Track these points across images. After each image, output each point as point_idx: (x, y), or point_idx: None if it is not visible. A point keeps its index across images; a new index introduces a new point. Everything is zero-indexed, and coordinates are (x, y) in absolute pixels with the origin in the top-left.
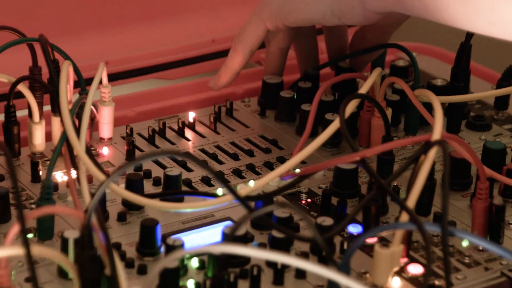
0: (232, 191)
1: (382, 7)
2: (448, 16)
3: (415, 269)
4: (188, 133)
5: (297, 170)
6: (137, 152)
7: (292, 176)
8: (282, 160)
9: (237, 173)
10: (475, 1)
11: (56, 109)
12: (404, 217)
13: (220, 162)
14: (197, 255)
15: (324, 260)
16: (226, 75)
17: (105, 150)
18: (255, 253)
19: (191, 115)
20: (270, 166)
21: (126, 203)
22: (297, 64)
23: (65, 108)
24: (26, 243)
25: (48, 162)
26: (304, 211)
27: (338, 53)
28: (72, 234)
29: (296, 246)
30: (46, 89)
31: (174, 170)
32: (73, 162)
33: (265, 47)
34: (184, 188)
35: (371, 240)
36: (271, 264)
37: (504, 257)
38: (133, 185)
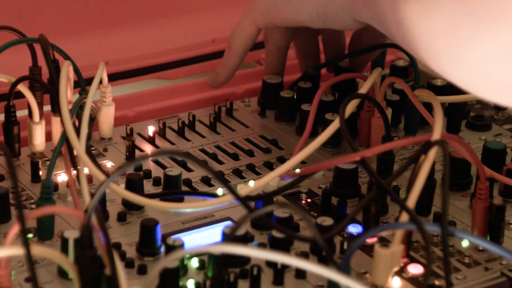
0: (232, 191)
1: (367, 21)
2: (422, 58)
3: (415, 269)
4: (189, 133)
5: (297, 170)
6: (137, 152)
7: (292, 176)
8: (282, 160)
9: (237, 173)
10: (464, 58)
11: (56, 109)
12: (404, 217)
13: (220, 162)
14: (197, 255)
15: (324, 260)
16: (223, 73)
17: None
18: (255, 253)
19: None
20: (270, 166)
21: (126, 203)
22: (297, 64)
23: (65, 108)
24: (26, 243)
25: (48, 162)
26: (304, 211)
27: (335, 54)
28: (72, 234)
29: (296, 246)
30: (46, 89)
31: (174, 170)
32: (73, 162)
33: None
34: (184, 188)
35: (371, 240)
36: (271, 264)
37: (504, 257)
38: (133, 185)
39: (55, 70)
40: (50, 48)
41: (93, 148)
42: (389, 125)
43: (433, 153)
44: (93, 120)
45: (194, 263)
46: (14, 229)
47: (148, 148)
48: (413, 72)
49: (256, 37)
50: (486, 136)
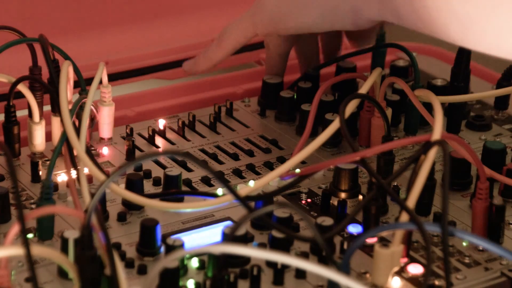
0: (232, 191)
1: (379, 17)
2: (450, 36)
3: (415, 269)
4: (189, 133)
5: (297, 170)
6: (137, 152)
7: (292, 176)
8: (282, 160)
9: (237, 173)
10: (479, 26)
11: (56, 109)
12: (404, 217)
13: (220, 162)
14: (197, 255)
15: (324, 260)
16: (204, 64)
17: (105, 150)
18: (255, 253)
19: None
20: (270, 166)
21: (126, 203)
22: (297, 64)
23: (65, 108)
24: (26, 243)
25: (48, 162)
26: (304, 211)
27: (334, 53)
28: (72, 234)
29: (296, 246)
30: (46, 89)
31: (174, 170)
32: (73, 162)
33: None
34: (184, 188)
35: (371, 240)
36: (271, 264)
37: (504, 257)
38: (133, 185)
39: (55, 70)
40: (50, 48)
41: (93, 148)
42: (389, 125)
43: (433, 153)
44: (93, 120)
45: (194, 263)
46: (14, 229)
47: (148, 148)
48: (413, 72)
49: (250, 40)
50: (486, 136)
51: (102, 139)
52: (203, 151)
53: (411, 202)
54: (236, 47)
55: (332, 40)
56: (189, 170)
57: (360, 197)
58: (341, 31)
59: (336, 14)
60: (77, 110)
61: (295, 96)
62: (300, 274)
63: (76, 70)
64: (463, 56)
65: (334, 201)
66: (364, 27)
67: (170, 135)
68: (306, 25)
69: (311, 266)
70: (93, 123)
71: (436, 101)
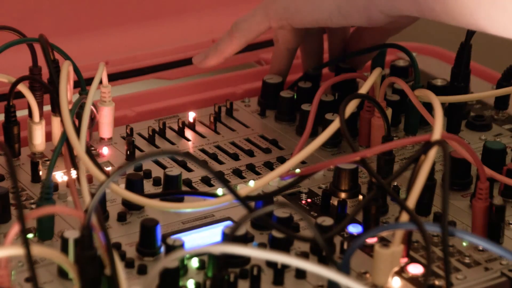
0: (232, 191)
1: (397, 10)
2: (476, 21)
3: (415, 269)
4: (188, 133)
5: (297, 170)
6: (137, 152)
7: (292, 176)
8: (282, 160)
9: (237, 173)
10: (508, 6)
11: (56, 109)
12: (404, 217)
13: (220, 162)
14: (197, 255)
15: (324, 260)
16: (215, 57)
17: (105, 150)
18: (255, 253)
19: (191, 115)
20: (270, 166)
21: (126, 203)
22: (297, 64)
23: (65, 108)
24: (26, 243)
25: (48, 162)
26: (304, 211)
27: (341, 53)
28: (72, 234)
29: (296, 246)
30: (46, 89)
31: (174, 170)
32: (73, 162)
33: (266, 46)
34: (184, 188)
35: (371, 240)
36: (271, 264)
37: (504, 257)
38: (133, 185)
39: (55, 70)
40: (50, 48)
41: (93, 148)
42: (389, 125)
43: (433, 153)
44: (93, 120)
45: (194, 263)
46: (14, 229)
47: (148, 148)
48: (413, 72)
49: (262, 33)
50: (486, 136)
51: (102, 139)
52: (203, 151)
53: (411, 202)
54: (248, 40)
55: (339, 40)
56: (189, 170)
57: (360, 197)
58: (349, 32)
59: (351, 6)
60: (77, 110)
61: (295, 96)
62: (300, 274)
63: (76, 70)
64: (463, 56)
65: (334, 201)
66: (379, 23)
67: (170, 135)
68: (322, 18)
69: (311, 266)
70: (93, 123)
71: (436, 101)
